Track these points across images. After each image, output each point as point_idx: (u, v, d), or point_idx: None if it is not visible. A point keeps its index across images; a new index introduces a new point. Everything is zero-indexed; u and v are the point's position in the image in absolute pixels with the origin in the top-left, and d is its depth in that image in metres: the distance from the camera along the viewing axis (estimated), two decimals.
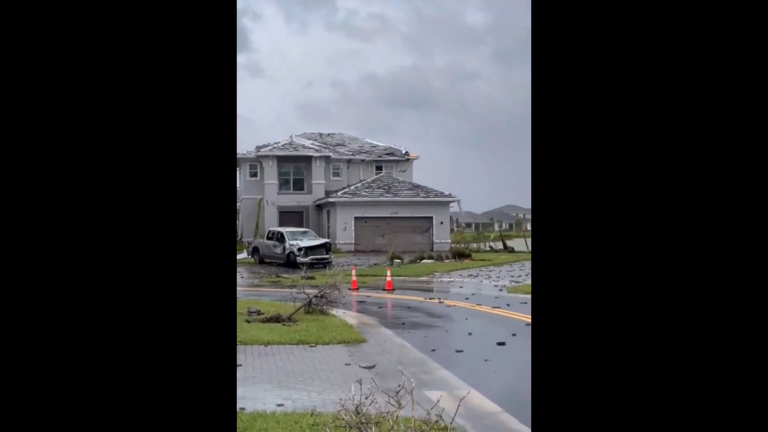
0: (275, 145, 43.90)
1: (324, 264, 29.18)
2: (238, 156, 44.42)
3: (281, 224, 39.36)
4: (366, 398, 4.45)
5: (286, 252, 31.12)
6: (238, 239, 44.53)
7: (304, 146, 44.38)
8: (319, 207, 42.67)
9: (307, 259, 29.02)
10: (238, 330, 11.27)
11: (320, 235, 36.51)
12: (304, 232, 34.40)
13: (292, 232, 33.21)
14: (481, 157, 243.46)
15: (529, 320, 13.71)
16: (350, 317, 14.03)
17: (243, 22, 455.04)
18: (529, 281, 23.20)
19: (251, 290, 21.27)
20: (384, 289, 20.88)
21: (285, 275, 25.84)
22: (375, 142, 48.80)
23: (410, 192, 41.38)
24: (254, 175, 44.38)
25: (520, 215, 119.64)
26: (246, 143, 47.77)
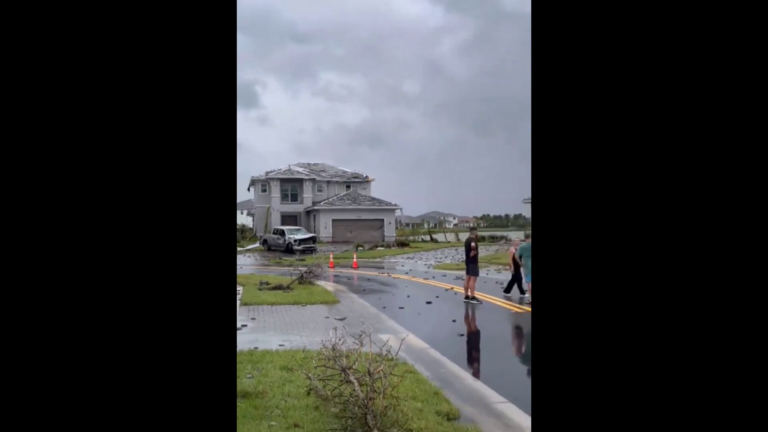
0: (278, 171, 43.47)
1: (311, 250, 29.03)
2: (253, 178, 43.88)
3: (282, 224, 39.01)
4: (339, 340, 4.45)
5: (286, 243, 30.82)
6: (252, 234, 43.96)
7: (298, 172, 44.03)
8: (308, 212, 42.31)
9: (300, 247, 28.92)
10: (253, 295, 11.14)
11: (309, 231, 36.22)
12: (298, 229, 34.13)
13: (290, 229, 32.97)
14: (415, 179, 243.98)
15: (447, 287, 13.83)
16: (329, 286, 13.94)
17: (255, 88, 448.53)
18: (446, 261, 23.36)
19: (262, 268, 20.97)
20: (352, 267, 20.80)
21: (285, 258, 25.55)
22: (345, 169, 48.52)
23: (369, 202, 41.38)
24: (264, 191, 43.84)
25: (441, 218, 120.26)
26: (258, 170, 47.24)
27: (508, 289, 12.13)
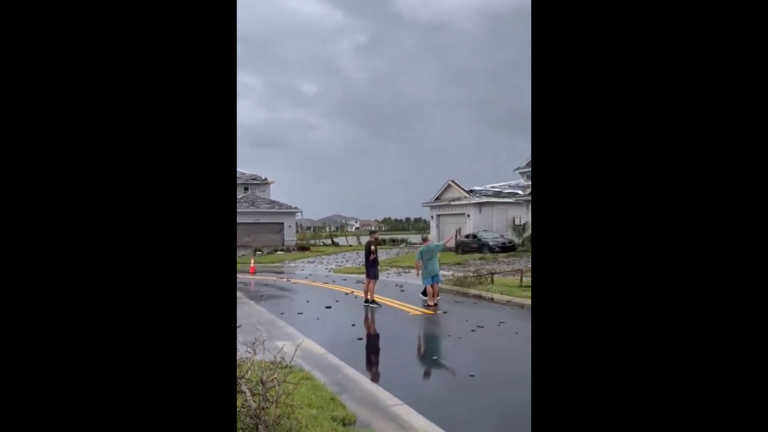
0: None
1: None
2: None
3: None
4: None
5: None
6: None
7: None
8: None
9: None
10: None
11: None
12: None
13: None
14: (316, 181, 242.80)
15: (348, 291, 13.89)
16: None
17: None
18: (347, 265, 23.46)
19: None
20: (249, 272, 20.28)
21: None
22: (243, 171, 47.15)
23: (268, 205, 40.55)
24: None
25: (343, 221, 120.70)
26: None
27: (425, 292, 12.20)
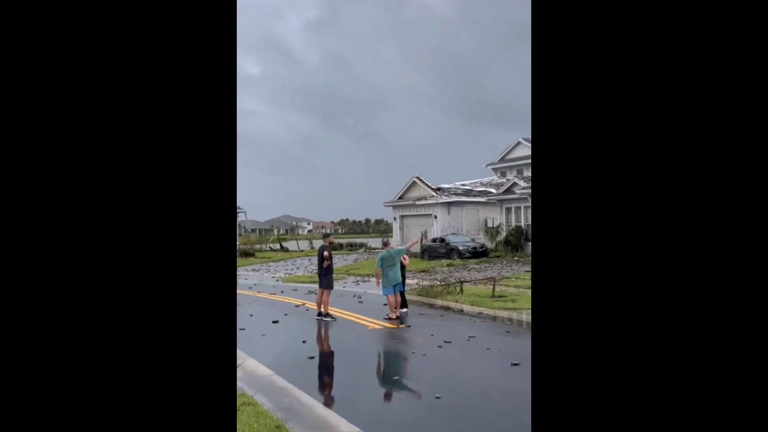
0: None
1: None
2: None
3: None
4: None
5: None
6: None
7: None
8: None
9: None
10: None
11: None
12: None
13: None
14: (262, 176, 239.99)
15: (298, 302, 13.74)
16: None
17: None
18: (298, 273, 23.27)
19: None
20: None
21: None
22: None
23: None
24: None
25: (294, 223, 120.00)
26: None
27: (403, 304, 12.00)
